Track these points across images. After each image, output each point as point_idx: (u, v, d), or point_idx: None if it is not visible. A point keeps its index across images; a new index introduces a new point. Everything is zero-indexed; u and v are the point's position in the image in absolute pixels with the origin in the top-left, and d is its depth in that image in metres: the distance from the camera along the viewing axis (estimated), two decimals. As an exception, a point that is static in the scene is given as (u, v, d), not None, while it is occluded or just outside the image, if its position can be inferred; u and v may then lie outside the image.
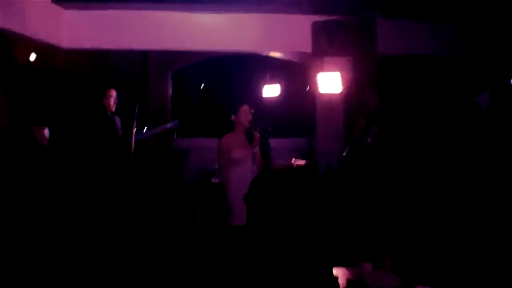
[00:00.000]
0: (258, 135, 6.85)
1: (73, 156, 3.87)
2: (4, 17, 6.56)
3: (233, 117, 6.78)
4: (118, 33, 8.70)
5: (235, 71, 12.28)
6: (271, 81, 11.03)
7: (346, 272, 3.88)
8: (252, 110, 6.82)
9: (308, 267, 3.20)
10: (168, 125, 7.94)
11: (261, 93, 10.95)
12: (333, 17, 8.72)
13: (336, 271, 3.43)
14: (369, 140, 6.70)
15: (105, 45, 8.78)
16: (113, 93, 8.00)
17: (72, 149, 4.10)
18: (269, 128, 8.79)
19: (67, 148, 4.69)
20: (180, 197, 6.41)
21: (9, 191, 5.71)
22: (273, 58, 10.24)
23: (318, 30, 8.82)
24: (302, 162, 9.42)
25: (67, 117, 6.54)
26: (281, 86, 10.85)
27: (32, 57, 8.34)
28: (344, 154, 7.23)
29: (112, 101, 7.94)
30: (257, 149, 6.76)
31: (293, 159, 9.51)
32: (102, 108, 7.76)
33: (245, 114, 6.75)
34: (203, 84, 13.64)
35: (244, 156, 6.68)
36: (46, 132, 6.20)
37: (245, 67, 11.94)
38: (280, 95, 10.84)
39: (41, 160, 5.61)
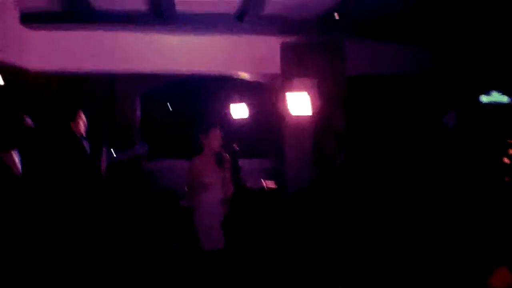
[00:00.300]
0: (228, 157, 6.85)
1: (44, 180, 3.82)
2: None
3: (202, 139, 6.75)
4: (86, 54, 8.63)
5: (203, 92, 12.27)
6: (238, 101, 11.06)
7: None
8: (222, 134, 6.81)
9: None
10: (137, 151, 7.88)
11: (228, 113, 10.96)
12: (302, 38, 8.76)
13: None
14: (338, 161, 6.74)
15: (73, 67, 8.71)
16: (83, 116, 7.85)
17: (42, 173, 4.05)
18: (237, 149, 8.78)
19: (37, 172, 4.63)
20: (152, 223, 6.37)
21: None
22: (241, 79, 10.25)
23: (286, 51, 8.87)
24: (271, 183, 9.44)
25: (37, 141, 6.44)
26: (249, 107, 10.87)
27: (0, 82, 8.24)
28: (313, 176, 7.27)
29: (82, 124, 7.79)
30: (227, 173, 6.75)
31: (262, 180, 9.53)
32: (71, 131, 7.66)
33: (216, 138, 6.73)
34: (170, 106, 13.60)
35: (214, 181, 6.64)
36: (15, 155, 6.09)
37: (213, 88, 11.94)
38: (248, 115, 10.86)
39: (11, 185, 5.53)
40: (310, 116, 8.77)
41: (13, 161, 6.05)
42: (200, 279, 6.01)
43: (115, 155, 7.47)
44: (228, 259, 3.39)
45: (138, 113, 11.81)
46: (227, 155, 6.87)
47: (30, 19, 7.95)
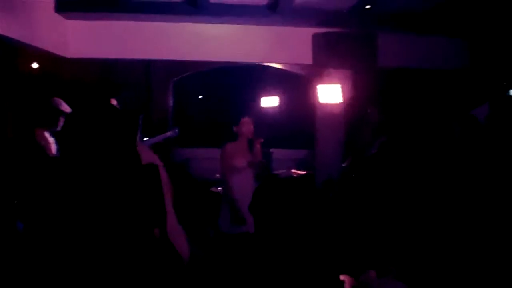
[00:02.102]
0: (259, 145, 6.98)
1: (80, 165, 3.92)
2: (9, 26, 6.60)
3: (235, 128, 6.91)
4: (121, 43, 8.73)
5: (235, 82, 12.35)
6: (271, 93, 11.14)
7: (351, 279, 3.94)
8: (254, 121, 6.94)
9: (314, 274, 3.26)
10: (168, 134, 7.98)
11: (260, 103, 11.05)
12: (335, 30, 8.78)
13: (342, 278, 3.48)
14: (374, 151, 6.77)
15: (109, 55, 8.83)
16: (115, 102, 7.97)
17: (78, 157, 4.14)
18: (267, 139, 8.85)
19: (73, 155, 4.73)
20: (190, 209, 6.49)
21: (12, 196, 5.80)
22: (274, 69, 10.31)
23: (319, 42, 8.88)
24: (301, 172, 9.51)
25: (73, 125, 6.57)
26: (281, 97, 10.94)
27: (35, 65, 8.40)
28: (345, 165, 7.30)
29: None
30: (258, 158, 6.89)
31: (293, 169, 9.59)
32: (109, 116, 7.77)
33: (246, 125, 6.88)
34: (201, 95, 13.71)
35: (245, 165, 6.80)
36: (48, 134, 6.24)
37: (246, 78, 12.01)
38: (280, 105, 10.94)
39: (47, 167, 5.66)
40: (342, 107, 8.82)
41: (47, 141, 6.20)
42: (230, 262, 6.14)
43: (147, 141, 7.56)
44: (257, 243, 3.45)
45: (171, 101, 11.94)
46: (258, 144, 7.00)
47: (65, 7, 8.08)
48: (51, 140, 6.25)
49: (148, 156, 4.44)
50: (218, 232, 7.03)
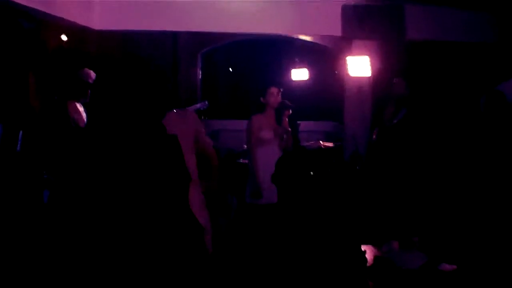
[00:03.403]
0: (287, 119, 6.99)
1: (112, 132, 3.96)
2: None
3: (262, 99, 6.91)
4: (149, 15, 8.74)
5: (263, 54, 12.32)
6: (299, 65, 11.10)
7: (374, 249, 3.96)
8: (281, 91, 6.94)
9: (337, 243, 3.28)
10: (198, 106, 8.00)
11: (289, 76, 11.03)
12: (363, 1, 8.71)
13: (364, 248, 3.50)
14: (395, 121, 6.75)
15: (136, 27, 8.85)
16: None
17: (107, 128, 4.19)
18: (295, 111, 8.85)
19: (101, 126, 4.79)
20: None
21: (41, 166, 5.89)
22: (302, 41, 10.26)
23: (348, 14, 8.82)
24: (329, 144, 9.50)
25: (102, 96, 6.64)
26: (309, 70, 10.90)
27: (64, 38, 8.45)
28: (373, 137, 7.28)
29: None
30: (286, 130, 6.90)
31: (321, 141, 9.59)
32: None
33: (273, 96, 6.88)
34: (230, 68, 13.71)
35: (272, 137, 6.82)
36: (79, 106, 6.31)
37: (274, 50, 11.99)
38: (308, 78, 10.90)
39: (77, 139, 5.74)
40: (370, 79, 8.78)
41: (79, 113, 6.28)
42: (254, 232, 6.18)
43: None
44: (281, 213, 3.47)
45: (199, 73, 11.97)
46: (286, 118, 7.01)
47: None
48: (82, 111, 6.33)
49: (194, 122, 4.47)
50: (243, 203, 7.07)
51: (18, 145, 6.27)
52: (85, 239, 3.61)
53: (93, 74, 6.31)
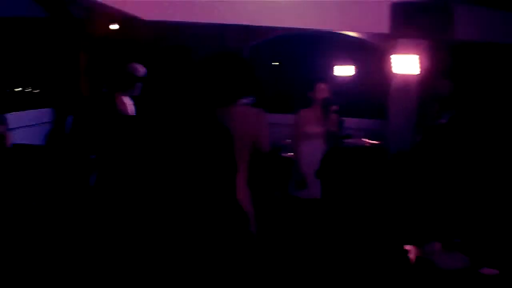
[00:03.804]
0: (335, 116, 7.01)
1: (160, 122, 4.02)
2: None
3: (309, 94, 6.95)
4: (197, 8, 8.83)
5: (309, 49, 12.34)
6: (345, 61, 11.09)
7: (416, 249, 3.97)
8: (328, 87, 6.96)
9: (380, 242, 3.30)
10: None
11: (335, 71, 11.03)
12: (411, 0, 8.67)
13: (407, 248, 3.52)
14: (441, 122, 6.71)
15: (185, 18, 8.94)
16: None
17: (153, 119, 4.25)
18: (340, 108, 8.86)
19: (147, 117, 4.86)
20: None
21: (88, 151, 6.03)
22: (348, 37, 10.25)
23: (396, 12, 8.78)
24: (373, 142, 9.49)
25: (148, 89, 6.74)
26: (356, 66, 10.89)
27: (114, 27, 8.58)
28: (417, 138, 7.26)
29: None
30: (332, 127, 6.92)
31: (364, 139, 9.58)
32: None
33: (321, 92, 6.91)
34: (276, 62, 13.75)
35: (317, 132, 6.85)
36: (127, 99, 6.41)
37: (319, 46, 11.99)
38: (354, 74, 10.89)
39: (124, 127, 5.84)
40: (416, 78, 8.74)
41: (125, 106, 6.39)
42: (296, 226, 6.24)
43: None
44: (323, 208, 3.51)
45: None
46: (334, 115, 7.03)
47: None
48: (130, 104, 6.43)
49: (256, 122, 4.50)
50: (287, 196, 7.12)
51: (67, 128, 6.41)
52: (132, 223, 3.68)
53: (141, 68, 6.40)
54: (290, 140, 7.60)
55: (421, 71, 8.25)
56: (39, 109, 8.57)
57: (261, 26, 9.56)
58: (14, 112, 7.37)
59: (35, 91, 14.88)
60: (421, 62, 8.19)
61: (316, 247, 3.40)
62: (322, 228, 3.47)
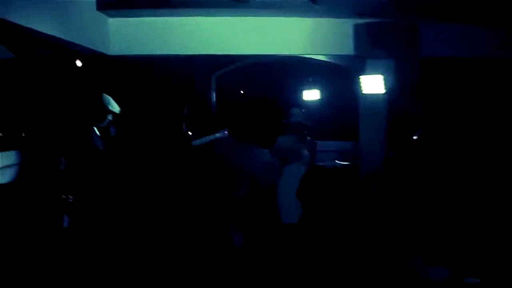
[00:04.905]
0: (312, 140, 7.04)
1: (131, 155, 3.99)
2: (53, 24, 6.73)
3: (284, 120, 6.97)
4: (163, 39, 8.83)
5: (277, 75, 12.37)
6: (313, 85, 11.15)
7: (398, 265, 3.94)
8: (303, 111, 6.99)
9: (359, 261, 3.28)
10: (217, 135, 8.02)
11: (303, 95, 11.07)
12: (376, 20, 8.73)
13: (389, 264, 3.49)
14: (413, 138, 6.76)
15: (151, 52, 8.92)
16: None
17: (130, 148, 4.22)
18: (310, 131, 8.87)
19: (123, 148, 4.84)
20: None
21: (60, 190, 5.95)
22: (314, 61, 10.29)
23: (360, 33, 8.85)
24: (345, 163, 9.50)
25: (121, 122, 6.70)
26: (324, 89, 10.94)
27: (78, 63, 8.53)
28: (389, 156, 7.29)
29: None
30: (308, 151, 6.93)
31: (336, 160, 9.59)
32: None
33: (295, 116, 6.93)
34: (243, 90, 13.76)
35: (296, 156, 6.85)
36: (94, 130, 6.37)
37: (287, 71, 12.02)
38: (323, 97, 10.95)
39: (93, 160, 5.79)
40: (385, 97, 8.80)
41: (91, 137, 6.34)
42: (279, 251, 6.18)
43: (195, 139, 7.59)
44: (303, 233, 3.49)
45: (214, 95, 12.03)
46: (311, 139, 7.05)
47: (107, 5, 8.19)
48: (96, 135, 6.38)
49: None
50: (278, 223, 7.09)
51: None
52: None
53: (112, 102, 6.39)
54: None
55: (389, 90, 8.31)
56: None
57: (226, 54, 9.54)
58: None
59: None
60: (388, 81, 8.25)
61: (293, 270, 3.37)
62: (302, 249, 3.45)
